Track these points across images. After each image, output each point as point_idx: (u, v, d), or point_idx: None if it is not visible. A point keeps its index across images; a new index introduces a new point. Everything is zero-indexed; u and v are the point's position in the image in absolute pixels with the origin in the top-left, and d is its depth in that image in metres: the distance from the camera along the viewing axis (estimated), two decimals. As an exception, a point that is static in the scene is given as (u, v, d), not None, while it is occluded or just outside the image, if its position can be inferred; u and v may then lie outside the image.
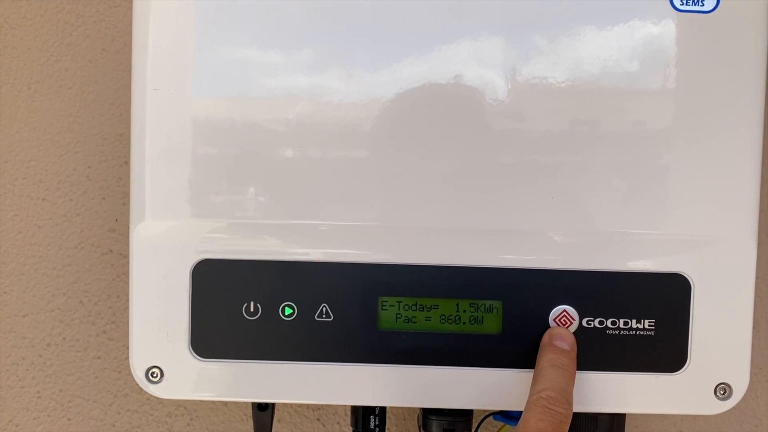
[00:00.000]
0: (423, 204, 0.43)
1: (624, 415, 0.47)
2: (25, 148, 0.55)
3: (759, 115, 0.43)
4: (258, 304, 0.44)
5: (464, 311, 0.44)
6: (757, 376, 0.56)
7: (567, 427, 0.40)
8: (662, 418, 0.56)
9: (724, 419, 0.56)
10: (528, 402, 0.40)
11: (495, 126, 0.43)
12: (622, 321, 0.44)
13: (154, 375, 0.44)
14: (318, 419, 0.56)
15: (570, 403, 0.40)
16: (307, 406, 0.56)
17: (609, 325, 0.44)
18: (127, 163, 0.48)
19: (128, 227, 0.44)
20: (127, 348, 0.49)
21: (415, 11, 0.43)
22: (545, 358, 0.43)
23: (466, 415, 0.47)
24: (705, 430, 0.56)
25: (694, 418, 0.56)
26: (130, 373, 0.44)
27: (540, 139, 0.43)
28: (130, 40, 0.44)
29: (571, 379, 0.42)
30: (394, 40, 0.43)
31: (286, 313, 0.44)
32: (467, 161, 0.43)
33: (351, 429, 0.50)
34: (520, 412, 0.41)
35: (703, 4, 0.42)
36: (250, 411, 0.53)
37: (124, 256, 0.55)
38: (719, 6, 0.42)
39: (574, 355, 0.43)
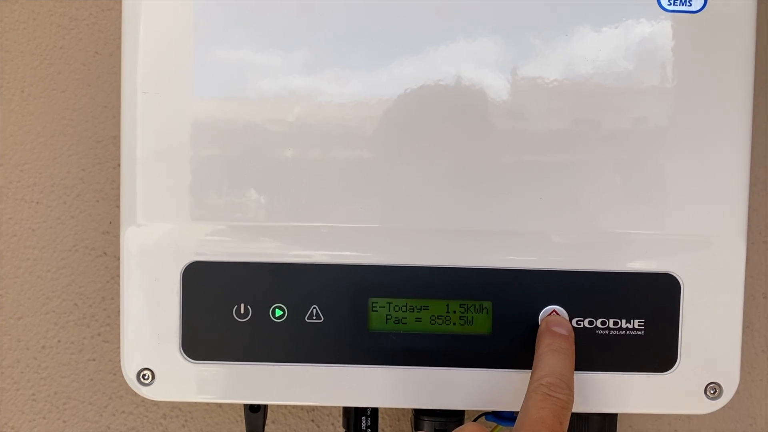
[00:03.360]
0: (412, 205, 0.44)
1: (615, 414, 0.47)
2: (19, 152, 0.55)
3: (747, 114, 0.43)
4: (248, 306, 0.44)
5: (454, 312, 0.44)
6: (751, 375, 0.56)
7: (569, 413, 0.39)
8: (657, 418, 0.56)
9: (719, 418, 0.56)
10: (528, 390, 0.40)
11: (482, 128, 0.43)
12: (611, 321, 0.44)
13: (146, 377, 0.44)
14: (312, 420, 0.56)
15: (571, 389, 0.40)
16: (301, 407, 0.56)
17: (599, 325, 0.44)
18: (120, 164, 0.48)
19: (120, 230, 0.45)
20: (121, 350, 0.49)
21: (413, 11, 0.43)
22: (543, 343, 0.42)
23: (457, 415, 0.47)
24: (700, 429, 0.56)
25: (689, 417, 0.56)
26: (124, 375, 0.45)
27: (529, 141, 0.43)
28: (121, 44, 0.44)
29: (571, 363, 0.42)
30: (393, 41, 0.43)
31: (277, 315, 0.44)
32: (455, 163, 0.43)
33: (343, 430, 0.50)
34: (512, 413, 0.41)
35: (690, 4, 0.42)
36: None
37: (118, 258, 0.55)
38: (707, 6, 0.42)
39: (572, 340, 0.43)
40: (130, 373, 0.44)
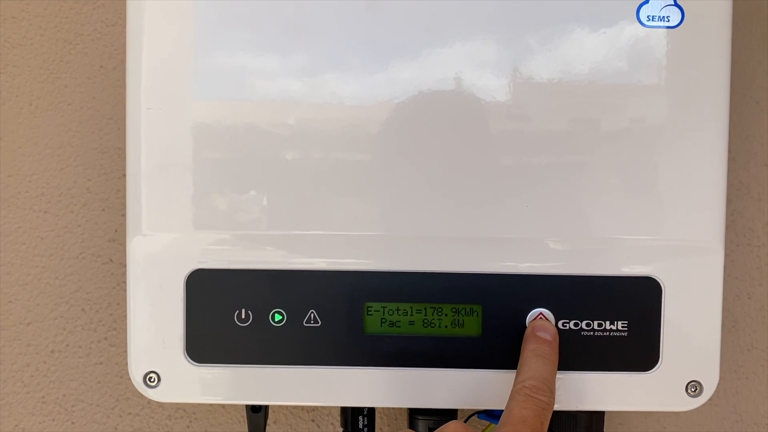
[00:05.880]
0: (405, 213, 0.45)
1: (602, 412, 0.49)
2: (27, 163, 0.56)
3: (724, 124, 0.44)
4: (249, 311, 0.45)
5: (446, 315, 0.45)
6: (737, 373, 0.57)
7: (549, 414, 0.41)
8: (646, 415, 0.57)
9: (706, 415, 0.57)
10: (512, 391, 0.41)
11: (467, 137, 0.44)
12: (596, 323, 0.45)
13: (152, 380, 0.46)
14: (312, 420, 0.57)
15: (552, 392, 0.41)
16: (302, 407, 0.57)
17: (584, 326, 0.45)
18: (126, 175, 0.49)
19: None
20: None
21: (413, 16, 0.44)
22: (528, 348, 0.44)
23: (450, 414, 0.48)
24: (687, 426, 0.57)
25: (677, 414, 0.57)
26: (130, 378, 0.46)
27: (512, 149, 0.44)
28: (126, 58, 0.45)
29: (554, 368, 0.43)
30: (393, 44, 0.44)
31: (276, 320, 0.45)
32: (446, 171, 0.44)
33: (341, 430, 0.51)
34: (503, 411, 0.43)
35: (668, 20, 0.44)
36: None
37: (124, 265, 0.56)
38: (684, 21, 0.44)
39: (556, 345, 0.44)
40: (136, 376, 0.45)
